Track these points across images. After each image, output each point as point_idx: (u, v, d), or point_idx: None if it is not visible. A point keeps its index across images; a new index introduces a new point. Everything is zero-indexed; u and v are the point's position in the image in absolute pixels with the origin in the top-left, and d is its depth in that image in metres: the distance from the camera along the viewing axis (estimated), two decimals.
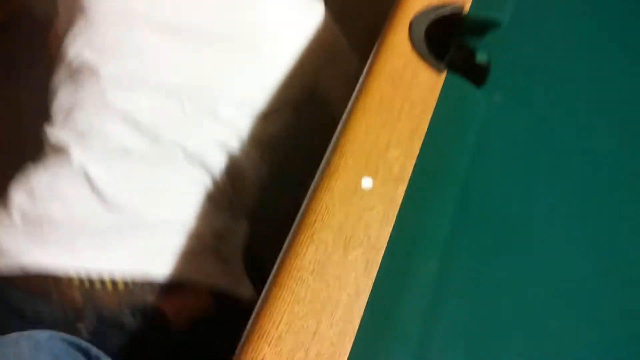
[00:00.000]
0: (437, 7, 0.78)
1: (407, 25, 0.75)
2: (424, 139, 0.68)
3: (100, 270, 0.72)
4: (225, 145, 0.85)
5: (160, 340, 0.75)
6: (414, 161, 0.65)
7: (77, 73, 0.83)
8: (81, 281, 0.72)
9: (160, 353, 0.75)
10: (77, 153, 0.78)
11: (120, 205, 0.77)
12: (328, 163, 0.65)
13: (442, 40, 0.78)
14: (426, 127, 0.69)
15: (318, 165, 0.64)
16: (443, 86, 0.72)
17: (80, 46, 0.83)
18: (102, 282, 0.72)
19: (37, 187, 0.78)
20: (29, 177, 0.80)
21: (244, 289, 0.82)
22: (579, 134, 0.78)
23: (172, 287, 0.75)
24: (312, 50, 0.91)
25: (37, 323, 0.69)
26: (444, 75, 0.73)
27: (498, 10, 0.80)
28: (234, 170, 0.86)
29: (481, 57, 0.78)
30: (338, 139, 0.66)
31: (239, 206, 0.91)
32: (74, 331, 0.70)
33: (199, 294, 0.78)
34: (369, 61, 0.74)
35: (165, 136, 0.81)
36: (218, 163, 0.84)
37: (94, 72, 0.81)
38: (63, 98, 0.84)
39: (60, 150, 0.80)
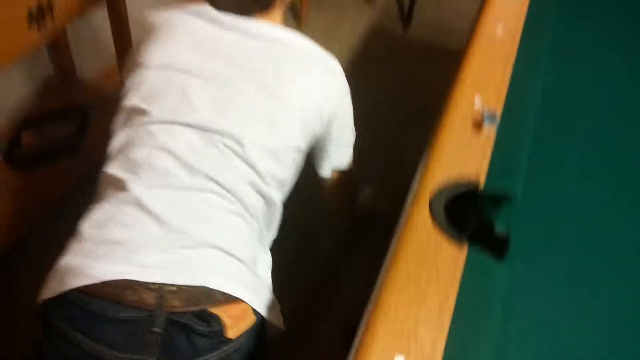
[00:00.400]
0: (455, 184, 0.85)
1: (428, 202, 0.82)
2: (453, 314, 0.70)
3: (167, 280, 0.83)
4: (254, 184, 0.96)
5: (218, 343, 0.86)
6: (444, 339, 0.67)
7: (130, 117, 0.98)
8: (153, 287, 0.83)
9: (217, 355, 0.86)
10: (132, 184, 0.91)
11: (173, 226, 0.88)
12: (360, 341, 0.68)
13: (462, 213, 0.84)
14: (454, 301, 0.72)
15: None
16: (466, 260, 0.76)
17: (132, 96, 0.98)
18: (171, 289, 0.83)
19: (101, 218, 0.91)
20: (92, 212, 0.93)
21: (277, 316, 0.96)
22: (600, 297, 0.80)
23: (229, 300, 0.86)
24: (321, 101, 1.02)
25: (119, 323, 0.82)
26: (466, 248, 0.78)
27: (511, 185, 0.87)
28: (263, 207, 0.99)
29: (500, 229, 0.83)
30: (369, 317, 0.69)
31: (266, 238, 1.04)
32: (149, 333, 0.82)
33: (248, 310, 0.89)
34: (394, 238, 0.79)
35: (200, 169, 0.92)
36: (249, 198, 0.95)
37: (143, 113, 0.96)
38: (119, 138, 0.98)
39: (118, 184, 0.93)
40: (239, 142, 0.94)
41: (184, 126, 0.94)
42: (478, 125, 0.95)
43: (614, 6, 1.42)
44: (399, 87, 2.23)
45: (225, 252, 0.90)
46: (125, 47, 1.68)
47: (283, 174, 1.00)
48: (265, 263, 1.02)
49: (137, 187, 0.90)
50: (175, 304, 0.83)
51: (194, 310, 0.84)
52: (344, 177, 1.25)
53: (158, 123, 0.95)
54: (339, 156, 1.17)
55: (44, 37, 1.32)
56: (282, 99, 0.97)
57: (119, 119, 1.01)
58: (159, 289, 0.83)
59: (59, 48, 1.71)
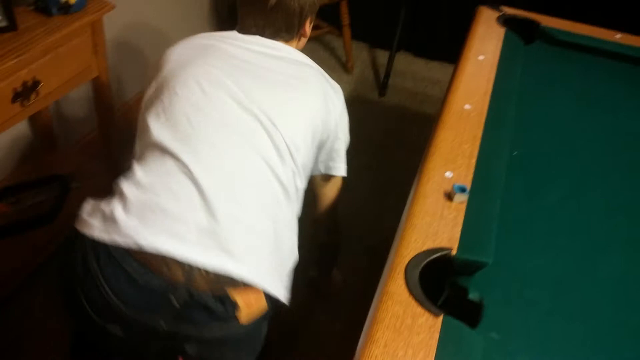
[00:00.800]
0: (428, 252, 0.88)
1: (403, 272, 0.84)
2: None
3: (199, 262, 0.89)
4: (295, 178, 1.05)
5: (231, 325, 0.93)
6: None
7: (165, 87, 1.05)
8: (184, 266, 0.89)
9: (228, 336, 0.94)
10: (184, 155, 0.95)
11: (218, 207, 0.93)
12: None
13: (436, 282, 0.86)
14: None
15: None
16: (442, 328, 0.78)
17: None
18: (199, 270, 0.90)
19: (146, 181, 0.95)
20: (135, 173, 0.97)
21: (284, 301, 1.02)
22: None
23: (246, 286, 0.93)
24: (329, 111, 1.13)
25: (144, 288, 0.88)
26: (441, 317, 0.80)
27: (482, 251, 0.90)
28: (299, 203, 1.09)
29: (473, 296, 0.86)
30: None
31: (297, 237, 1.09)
32: (168, 303, 0.89)
33: (260, 296, 0.95)
34: (371, 309, 0.81)
35: (252, 144, 1.00)
36: (295, 195, 1.05)
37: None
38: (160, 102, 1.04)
39: (165, 151, 0.97)
40: (273, 124, 1.01)
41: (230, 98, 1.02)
42: (450, 196, 1.00)
43: (573, 83, 1.53)
44: (376, 149, 2.31)
45: (264, 237, 0.97)
46: (109, 119, 1.72)
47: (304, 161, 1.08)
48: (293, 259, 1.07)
49: (189, 158, 0.95)
50: (201, 285, 0.90)
51: (214, 292, 0.90)
52: (336, 190, 1.34)
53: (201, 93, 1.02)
54: (337, 165, 1.26)
55: (28, 113, 1.35)
56: (302, 100, 1.08)
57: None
58: (190, 269, 0.89)
59: (40, 117, 1.74)
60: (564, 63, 1.58)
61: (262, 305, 0.96)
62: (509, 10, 1.70)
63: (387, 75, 2.66)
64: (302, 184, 1.09)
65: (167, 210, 0.92)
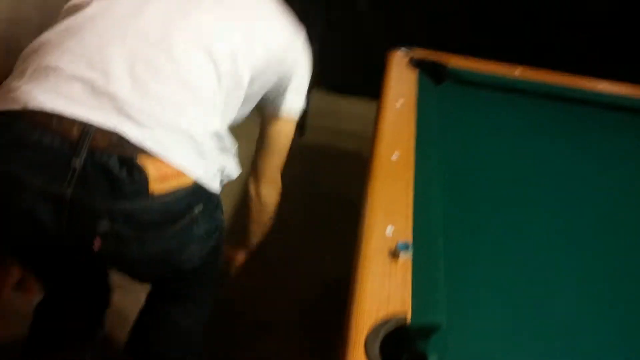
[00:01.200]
0: (383, 323, 0.86)
1: (363, 347, 0.82)
2: None
3: (99, 122, 0.84)
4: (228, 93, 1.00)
5: (138, 194, 0.85)
6: None
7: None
8: (81, 123, 0.84)
9: (140, 212, 0.86)
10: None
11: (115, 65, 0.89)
12: None
13: (396, 350, 0.85)
14: None
15: None
16: None
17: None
18: (99, 130, 0.84)
19: (39, 43, 0.94)
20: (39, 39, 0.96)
21: (215, 186, 0.98)
22: None
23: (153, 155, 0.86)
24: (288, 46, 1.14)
25: (36, 150, 0.83)
26: None
27: (435, 314, 0.91)
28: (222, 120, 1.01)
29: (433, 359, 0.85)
30: None
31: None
32: (67, 164, 0.83)
33: (181, 174, 0.89)
34: None
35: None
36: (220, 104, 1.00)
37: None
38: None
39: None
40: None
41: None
42: (394, 254, 0.99)
43: (486, 119, 1.61)
44: (298, 192, 2.29)
45: (175, 114, 0.90)
46: None
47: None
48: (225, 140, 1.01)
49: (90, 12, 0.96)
50: (101, 144, 0.83)
51: (119, 154, 0.84)
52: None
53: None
54: (295, 99, 1.20)
55: None
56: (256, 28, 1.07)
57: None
58: (86, 127, 0.84)
59: None
60: (474, 100, 1.67)
61: (183, 182, 0.89)
62: (418, 52, 1.77)
63: (304, 114, 2.67)
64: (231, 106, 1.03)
65: (59, 70, 0.88)
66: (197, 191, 0.92)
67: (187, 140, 0.91)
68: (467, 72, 1.73)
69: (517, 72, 1.77)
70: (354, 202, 1.23)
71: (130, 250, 0.90)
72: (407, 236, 1.04)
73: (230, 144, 1.03)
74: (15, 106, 0.85)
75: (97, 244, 0.87)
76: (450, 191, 1.24)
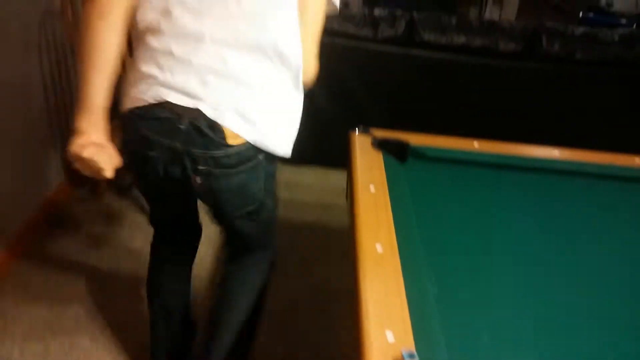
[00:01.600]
0: None
1: None
2: None
3: (192, 104, 1.26)
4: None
5: (220, 145, 1.27)
6: None
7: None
8: (179, 106, 1.26)
9: (224, 156, 1.29)
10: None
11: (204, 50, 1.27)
12: None
13: None
14: None
15: None
16: None
17: None
18: (191, 108, 1.26)
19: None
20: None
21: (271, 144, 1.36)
22: None
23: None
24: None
25: (159, 120, 1.28)
26: None
27: None
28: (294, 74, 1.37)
29: None
30: None
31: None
32: (178, 128, 1.26)
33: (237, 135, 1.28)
34: None
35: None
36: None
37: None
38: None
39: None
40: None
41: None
42: None
43: (457, 194, 1.62)
44: (288, 269, 2.18)
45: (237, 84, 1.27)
46: None
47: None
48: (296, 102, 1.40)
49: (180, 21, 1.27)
50: (195, 114, 1.25)
51: (206, 120, 1.25)
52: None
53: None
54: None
55: None
56: None
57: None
58: (185, 108, 1.25)
59: None
60: (439, 175, 1.69)
61: (240, 139, 1.27)
62: (378, 133, 1.77)
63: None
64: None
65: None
66: (256, 147, 1.31)
67: (245, 121, 1.29)
68: (429, 148, 1.74)
69: (476, 145, 1.81)
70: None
71: (219, 184, 1.31)
72: (407, 343, 0.99)
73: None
74: (151, 100, 1.27)
75: (198, 180, 1.30)
76: (440, 277, 1.21)
